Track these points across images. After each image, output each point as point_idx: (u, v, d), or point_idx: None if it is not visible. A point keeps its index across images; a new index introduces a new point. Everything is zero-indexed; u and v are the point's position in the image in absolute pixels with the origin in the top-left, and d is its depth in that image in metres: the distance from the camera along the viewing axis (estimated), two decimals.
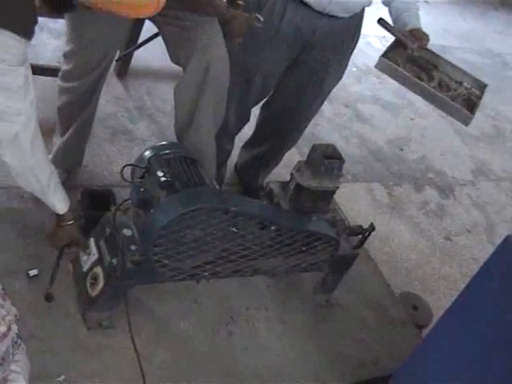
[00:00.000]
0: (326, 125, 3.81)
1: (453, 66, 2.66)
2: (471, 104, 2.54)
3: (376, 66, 2.47)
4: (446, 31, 5.40)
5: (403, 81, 2.46)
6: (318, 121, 3.76)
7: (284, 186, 2.30)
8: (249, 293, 2.50)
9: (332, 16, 2.38)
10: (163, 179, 1.98)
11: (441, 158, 4.03)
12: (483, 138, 4.42)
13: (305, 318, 2.54)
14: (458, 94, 2.55)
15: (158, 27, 2.40)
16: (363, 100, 4.18)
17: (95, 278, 2.10)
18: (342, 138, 3.73)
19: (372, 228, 2.40)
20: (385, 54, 2.46)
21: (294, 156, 3.28)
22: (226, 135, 2.68)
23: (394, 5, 2.53)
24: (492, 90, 4.84)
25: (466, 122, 2.48)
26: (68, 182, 2.66)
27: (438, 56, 2.64)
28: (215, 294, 2.41)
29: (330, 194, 2.28)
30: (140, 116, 3.22)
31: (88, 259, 2.17)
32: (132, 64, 3.37)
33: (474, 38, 5.67)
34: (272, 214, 2.16)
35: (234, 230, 2.00)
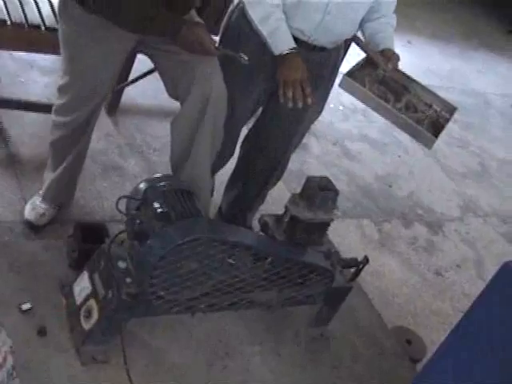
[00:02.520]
0: (315, 162, 3.83)
1: (424, 88, 2.63)
2: (438, 126, 2.53)
3: (339, 85, 2.44)
4: (430, 71, 5.46)
5: (366, 101, 2.45)
6: (306, 158, 3.78)
7: (278, 218, 2.30)
8: (243, 325, 2.48)
9: (314, 48, 2.40)
10: (159, 210, 1.98)
11: (429, 195, 4.05)
12: (469, 175, 4.44)
13: (299, 350, 2.52)
14: (425, 116, 2.53)
15: (154, 61, 2.42)
16: (351, 138, 4.21)
17: (89, 312, 2.08)
18: (330, 175, 3.63)
19: (366, 260, 2.40)
20: (350, 73, 2.43)
21: (282, 192, 3.28)
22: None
23: (368, 25, 2.50)
24: (476, 128, 4.98)
25: (429, 146, 2.49)
26: (59, 217, 2.66)
27: (409, 78, 2.61)
28: (210, 327, 2.39)
29: (324, 226, 2.29)
30: (131, 152, 3.22)
31: (81, 292, 2.15)
32: (122, 101, 3.38)
33: (456, 78, 5.74)
34: (268, 245, 2.16)
35: (231, 261, 2.00)
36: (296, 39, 2.33)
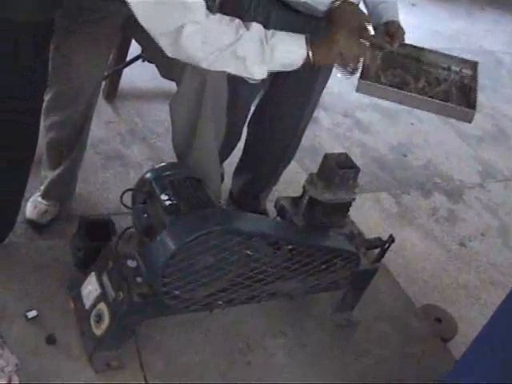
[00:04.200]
0: (326, 136, 3.67)
1: (435, 53, 2.45)
2: (466, 90, 2.34)
3: (357, 91, 2.24)
4: (436, 32, 5.28)
5: (389, 97, 2.26)
6: (316, 132, 3.63)
7: (296, 201, 2.13)
8: (263, 317, 2.32)
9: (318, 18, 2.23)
10: (168, 203, 1.82)
11: (446, 162, 3.90)
12: (485, 138, 4.29)
13: (325, 339, 2.37)
14: (450, 83, 2.35)
15: (143, 43, 2.25)
16: (361, 108, 4.04)
17: (100, 316, 1.93)
18: (343, 149, 3.58)
19: (392, 240, 2.24)
20: (363, 75, 2.21)
21: (296, 170, 3.14)
22: None
23: None
24: (489, 88, 4.79)
25: (469, 119, 2.27)
26: (62, 213, 2.52)
27: (417, 48, 2.43)
28: (228, 321, 2.24)
29: (346, 207, 2.13)
30: (133, 139, 3.07)
31: (90, 294, 2.00)
32: (120, 86, 3.22)
33: (463, 38, 5.56)
34: (287, 231, 2.00)
35: (249, 252, 1.84)
36: (299, 13, 2.19)
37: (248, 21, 1.99)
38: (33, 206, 2.45)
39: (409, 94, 2.23)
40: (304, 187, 2.09)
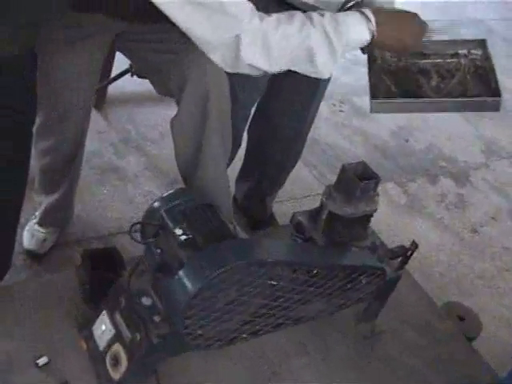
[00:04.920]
0: (325, 126, 3.54)
1: (436, 41, 2.22)
2: (483, 74, 2.10)
3: (371, 111, 2.07)
4: (424, 4, 5.13)
5: (408, 110, 2.14)
6: (315, 123, 3.48)
7: (313, 214, 2.00)
8: (285, 336, 2.20)
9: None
10: (183, 238, 1.68)
11: (448, 143, 3.79)
12: (486, 114, 4.15)
13: (350, 352, 2.25)
14: (463, 71, 2.17)
15: (134, 59, 2.09)
16: (357, 92, 3.91)
17: (116, 358, 1.80)
18: (344, 138, 3.46)
19: (415, 246, 2.12)
20: (374, 92, 2.06)
21: (298, 166, 3.00)
22: None
23: None
24: None
25: (496, 108, 2.06)
26: (62, 239, 2.38)
27: None
28: (248, 346, 2.11)
29: (367, 219, 2.00)
30: (127, 149, 2.93)
31: (103, 335, 1.86)
32: (109, 92, 3.06)
33: (453, 9, 5.41)
34: (310, 254, 1.88)
35: (272, 282, 1.71)
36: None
37: None
38: (30, 234, 2.31)
39: (427, 100, 2.06)
40: (322, 202, 1.96)
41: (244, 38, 1.54)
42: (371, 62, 2.12)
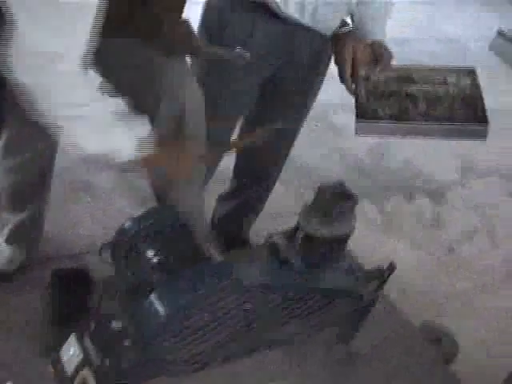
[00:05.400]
0: (301, 143, 3.48)
1: (425, 68, 2.28)
2: (471, 102, 2.13)
3: (356, 133, 2.06)
4: (397, 22, 5.13)
5: (394, 133, 2.10)
6: None
7: (289, 235, 1.95)
8: (260, 360, 2.14)
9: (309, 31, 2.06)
10: (155, 260, 1.63)
11: (424, 159, 3.76)
12: None
13: (328, 376, 2.20)
14: (451, 98, 2.17)
15: (106, 74, 2.04)
16: (333, 109, 3.87)
17: None
18: (320, 156, 3.43)
19: (393, 268, 2.09)
20: (361, 114, 2.06)
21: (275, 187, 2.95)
22: None
23: (360, 9, 2.12)
24: None
25: (483, 136, 2.09)
26: (31, 258, 2.30)
27: (406, 67, 2.24)
28: (223, 372, 2.04)
29: (343, 240, 1.96)
30: (98, 165, 2.85)
31: (71, 359, 1.80)
32: None
33: (427, 26, 5.43)
34: (285, 277, 1.83)
35: (247, 306, 1.66)
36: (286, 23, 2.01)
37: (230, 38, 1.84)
38: None
39: (413, 124, 2.04)
40: (297, 222, 1.92)
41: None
42: (359, 83, 2.10)
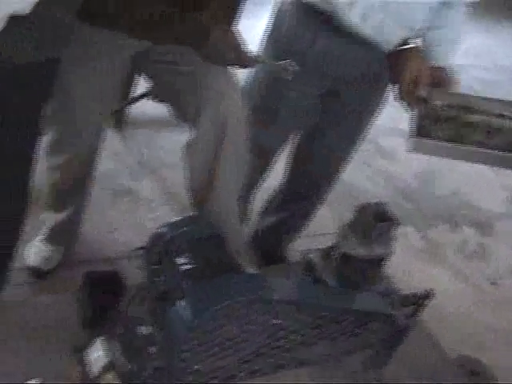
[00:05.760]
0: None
1: (483, 99, 2.20)
2: None
3: (409, 150, 2.02)
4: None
5: (449, 154, 2.05)
6: None
7: (325, 254, 1.92)
8: (284, 379, 2.09)
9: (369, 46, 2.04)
10: (187, 267, 1.61)
11: (473, 190, 3.69)
12: None
13: None
14: (509, 131, 2.11)
15: (153, 80, 2.04)
16: (383, 132, 3.82)
17: None
18: (366, 178, 3.39)
19: (430, 294, 2.03)
20: (415, 131, 2.02)
21: None
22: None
23: (430, 34, 2.11)
24: None
25: None
26: (66, 258, 2.31)
27: (464, 95, 2.19)
28: None
29: (381, 262, 1.91)
30: (142, 172, 2.86)
31: (97, 361, 1.78)
32: (129, 114, 3.02)
33: (483, 55, 5.35)
34: (318, 296, 1.79)
35: (275, 321, 1.63)
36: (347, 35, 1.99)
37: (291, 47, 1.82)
38: (34, 251, 2.25)
39: (471, 148, 1.99)
40: (335, 240, 1.88)
41: None
42: (417, 102, 2.07)
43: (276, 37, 2.14)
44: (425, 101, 2.06)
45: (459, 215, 3.45)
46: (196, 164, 1.91)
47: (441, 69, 2.07)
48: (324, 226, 2.89)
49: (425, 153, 2.07)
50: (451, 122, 2.06)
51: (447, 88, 2.09)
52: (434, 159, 3.77)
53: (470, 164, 3.81)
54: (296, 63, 1.92)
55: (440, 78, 2.06)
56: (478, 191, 3.69)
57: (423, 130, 2.03)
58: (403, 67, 2.03)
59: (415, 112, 2.06)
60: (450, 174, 3.73)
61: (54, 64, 1.62)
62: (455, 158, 2.08)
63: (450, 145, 2.00)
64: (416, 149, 2.01)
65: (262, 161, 2.32)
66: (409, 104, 2.07)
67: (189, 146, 1.91)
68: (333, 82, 2.15)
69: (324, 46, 2.03)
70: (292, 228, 2.59)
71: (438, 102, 2.09)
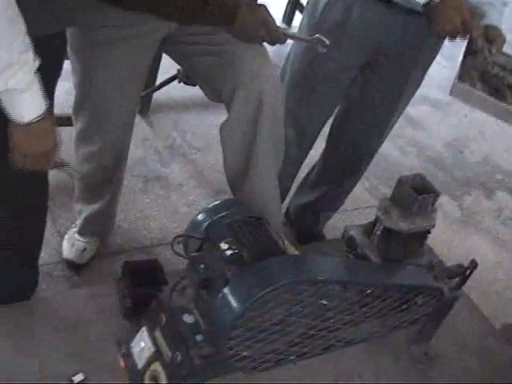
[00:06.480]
0: None
1: None
2: None
3: (451, 93, 2.03)
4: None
5: (485, 108, 2.03)
6: None
7: (367, 229, 1.88)
8: (334, 359, 2.07)
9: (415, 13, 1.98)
10: (229, 252, 1.58)
11: (505, 155, 3.62)
12: None
13: (403, 376, 2.12)
14: None
15: (183, 62, 2.00)
16: (412, 102, 3.75)
17: (155, 378, 1.70)
18: (397, 149, 3.33)
19: (474, 265, 1.98)
20: (460, 76, 2.01)
21: None
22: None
23: None
24: None
25: None
26: (102, 249, 2.29)
27: None
28: (296, 370, 1.98)
29: (424, 235, 1.87)
30: (172, 157, 2.83)
31: (142, 353, 1.77)
32: (154, 98, 2.97)
33: None
34: (364, 273, 1.75)
35: (323, 302, 1.59)
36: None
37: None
38: (70, 244, 2.23)
39: (511, 108, 1.96)
40: (377, 216, 1.84)
41: None
42: (470, 51, 2.02)
43: (312, 9, 2.09)
44: (480, 51, 2.01)
45: (492, 181, 3.39)
46: (231, 146, 1.87)
47: (493, 27, 2.01)
48: (359, 200, 2.85)
49: (465, 100, 2.08)
50: (496, 79, 2.02)
51: (500, 47, 2.03)
52: (464, 125, 3.74)
53: (498, 130, 3.76)
54: (332, 35, 1.89)
55: (493, 36, 2.00)
56: (510, 156, 3.62)
57: (470, 79, 2.00)
58: (448, 11, 1.94)
59: (467, 59, 2.02)
60: (481, 141, 3.67)
61: (64, 37, 1.57)
62: (492, 113, 2.05)
63: (490, 99, 1.97)
64: (458, 95, 2.03)
65: (300, 138, 2.27)
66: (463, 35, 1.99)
67: (225, 126, 1.87)
68: (372, 51, 2.10)
69: (361, 14, 1.99)
70: (330, 205, 2.54)
71: (490, 58, 2.04)
